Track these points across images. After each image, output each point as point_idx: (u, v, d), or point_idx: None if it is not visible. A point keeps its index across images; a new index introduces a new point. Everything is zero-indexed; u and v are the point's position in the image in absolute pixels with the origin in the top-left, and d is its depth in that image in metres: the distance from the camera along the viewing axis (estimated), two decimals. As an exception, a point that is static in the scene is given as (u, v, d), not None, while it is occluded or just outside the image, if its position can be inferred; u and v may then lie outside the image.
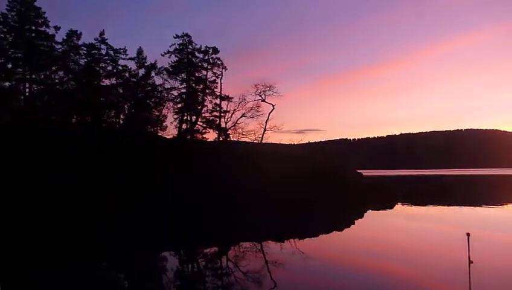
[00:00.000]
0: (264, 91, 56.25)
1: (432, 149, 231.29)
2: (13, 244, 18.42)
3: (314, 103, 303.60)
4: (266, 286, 11.19)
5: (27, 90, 50.64)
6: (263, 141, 55.85)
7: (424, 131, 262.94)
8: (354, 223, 25.82)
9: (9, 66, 49.36)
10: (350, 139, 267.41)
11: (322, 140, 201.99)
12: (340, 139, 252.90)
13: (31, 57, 48.47)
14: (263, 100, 56.36)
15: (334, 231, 22.71)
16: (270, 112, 56.28)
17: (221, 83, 56.96)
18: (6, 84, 49.64)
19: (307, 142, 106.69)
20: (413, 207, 37.04)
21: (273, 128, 55.96)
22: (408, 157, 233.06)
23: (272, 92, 56.30)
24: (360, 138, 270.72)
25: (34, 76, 50.04)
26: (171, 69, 55.37)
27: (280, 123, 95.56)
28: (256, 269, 13.06)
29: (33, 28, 49.70)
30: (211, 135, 57.37)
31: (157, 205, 32.18)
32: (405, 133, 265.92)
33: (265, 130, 55.59)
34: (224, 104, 57.05)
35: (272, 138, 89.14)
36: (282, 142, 60.40)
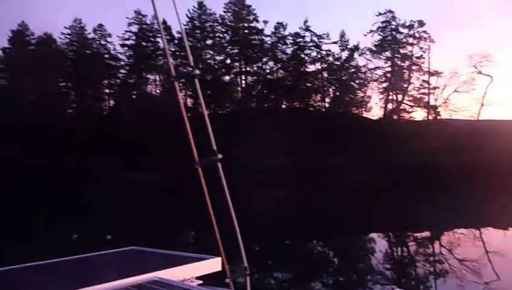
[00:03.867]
0: (479, 62, 50.61)
1: None
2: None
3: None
4: (487, 277, 10.23)
5: (243, 81, 56.30)
6: (480, 118, 50.47)
7: None
8: None
9: (228, 61, 55.58)
10: None
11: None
12: None
13: (245, 52, 53.56)
14: (479, 72, 50.79)
15: None
16: (488, 85, 50.41)
17: (429, 58, 53.43)
18: (227, 78, 56.04)
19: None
20: None
21: (491, 103, 50.09)
22: None
23: (489, 62, 50.30)
24: None
25: (248, 68, 55.26)
26: (374, 49, 54.30)
27: (500, 97, 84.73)
28: (474, 257, 12.03)
29: (245, 24, 54.74)
30: (419, 114, 54.27)
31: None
32: None
33: (482, 105, 50.12)
34: (433, 79, 53.39)
35: (491, 113, 79.59)
36: (504, 119, 53.61)
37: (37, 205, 26.35)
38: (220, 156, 2.01)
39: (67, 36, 61.24)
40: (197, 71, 2.06)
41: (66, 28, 61.17)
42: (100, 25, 60.45)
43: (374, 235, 16.47)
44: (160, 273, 1.82)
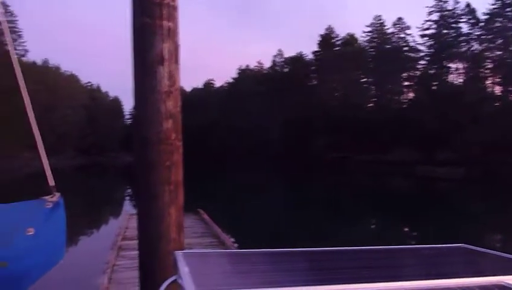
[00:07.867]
0: None
1: None
2: None
3: None
4: None
5: None
6: None
7: None
8: None
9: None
10: None
11: None
12: None
13: None
14: None
15: None
16: None
17: None
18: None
19: None
20: None
21: None
22: None
23: None
24: None
25: None
26: None
27: None
28: None
29: None
30: None
31: None
32: None
33: None
34: None
35: None
36: None
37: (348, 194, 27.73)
38: None
39: (368, 34, 63.95)
40: None
41: (367, 26, 63.98)
42: (399, 19, 60.59)
43: None
44: (507, 279, 1.58)
